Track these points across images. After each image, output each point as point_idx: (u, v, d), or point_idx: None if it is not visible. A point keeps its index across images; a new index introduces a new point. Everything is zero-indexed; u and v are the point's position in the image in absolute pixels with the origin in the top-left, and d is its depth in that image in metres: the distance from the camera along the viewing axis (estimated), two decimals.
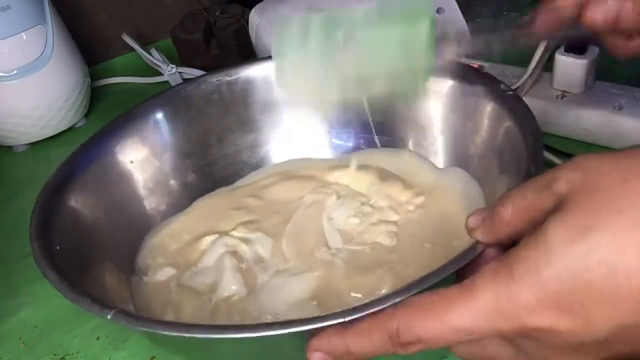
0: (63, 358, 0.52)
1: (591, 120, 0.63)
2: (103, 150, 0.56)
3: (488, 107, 0.52)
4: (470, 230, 0.37)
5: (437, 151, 0.59)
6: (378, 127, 0.62)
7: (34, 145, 0.81)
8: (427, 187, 0.57)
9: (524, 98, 0.64)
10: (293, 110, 0.63)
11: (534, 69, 0.66)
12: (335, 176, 0.59)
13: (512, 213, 0.33)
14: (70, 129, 0.82)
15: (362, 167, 0.59)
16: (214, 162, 0.62)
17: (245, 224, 0.55)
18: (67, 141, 0.80)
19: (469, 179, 0.55)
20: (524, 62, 0.67)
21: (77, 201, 0.51)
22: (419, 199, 0.55)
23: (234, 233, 0.55)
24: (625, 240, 0.27)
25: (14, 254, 0.62)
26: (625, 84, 0.65)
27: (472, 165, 0.55)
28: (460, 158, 0.56)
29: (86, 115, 0.84)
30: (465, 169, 0.55)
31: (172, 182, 0.60)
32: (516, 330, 0.29)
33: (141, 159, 0.58)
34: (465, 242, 0.38)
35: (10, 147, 0.81)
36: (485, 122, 0.53)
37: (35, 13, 0.76)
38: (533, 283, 0.28)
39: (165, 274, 0.52)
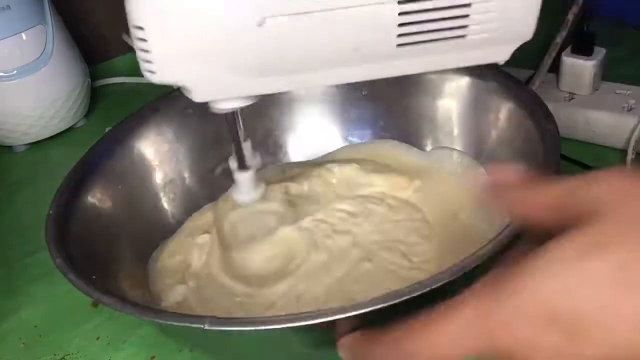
0: (63, 358, 0.51)
1: (601, 121, 0.62)
2: (121, 145, 0.56)
3: (507, 107, 0.53)
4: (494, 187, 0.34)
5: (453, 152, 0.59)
6: (393, 125, 0.62)
7: (34, 145, 0.80)
8: (419, 171, 0.58)
9: None
10: (308, 109, 0.63)
11: (539, 70, 0.65)
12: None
13: (539, 202, 0.30)
14: (70, 129, 0.81)
15: (351, 163, 0.59)
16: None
17: None
18: (67, 141, 0.80)
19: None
20: (529, 63, 0.67)
21: (95, 197, 0.52)
22: (416, 183, 0.56)
23: None
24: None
25: (14, 254, 0.62)
26: (630, 83, 0.65)
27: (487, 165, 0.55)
28: (477, 156, 0.57)
29: (86, 115, 0.84)
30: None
31: (188, 180, 0.60)
32: (490, 351, 0.27)
33: (160, 155, 0.58)
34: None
35: (10, 147, 0.80)
36: (503, 122, 0.53)
37: (35, 13, 0.76)
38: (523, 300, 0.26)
39: (179, 293, 0.51)
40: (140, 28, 0.35)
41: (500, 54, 0.39)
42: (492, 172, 0.34)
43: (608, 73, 0.65)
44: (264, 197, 0.50)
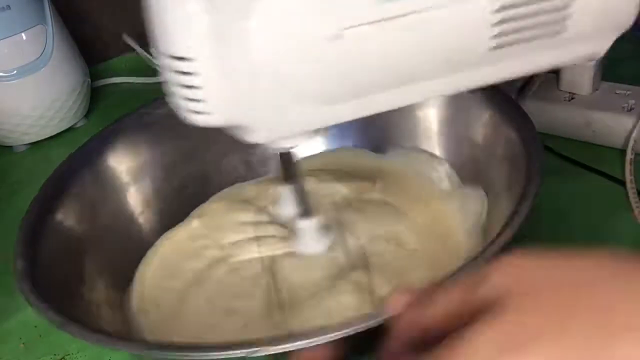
0: (63, 358, 0.51)
1: (601, 121, 0.62)
2: (93, 162, 0.55)
3: (485, 113, 0.52)
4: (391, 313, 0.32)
5: (437, 165, 0.58)
6: (374, 133, 0.61)
7: (34, 145, 0.80)
8: (378, 173, 0.58)
9: (530, 100, 0.65)
10: None
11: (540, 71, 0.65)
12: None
13: (437, 313, 0.30)
14: (70, 129, 0.82)
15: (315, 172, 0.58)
16: (205, 174, 0.61)
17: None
18: (67, 141, 0.80)
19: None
20: None
21: (66, 217, 0.50)
22: (379, 185, 0.57)
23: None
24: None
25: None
26: (630, 83, 0.65)
27: (471, 175, 0.55)
28: (458, 166, 0.56)
29: (86, 115, 0.84)
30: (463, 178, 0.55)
31: (164, 194, 0.59)
32: None
33: (133, 170, 0.57)
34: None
35: (10, 147, 0.80)
36: (482, 129, 0.53)
37: (35, 13, 0.76)
38: None
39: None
40: (186, 59, 0.28)
41: (600, 47, 0.37)
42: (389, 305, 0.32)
43: (608, 73, 0.65)
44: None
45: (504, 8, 0.31)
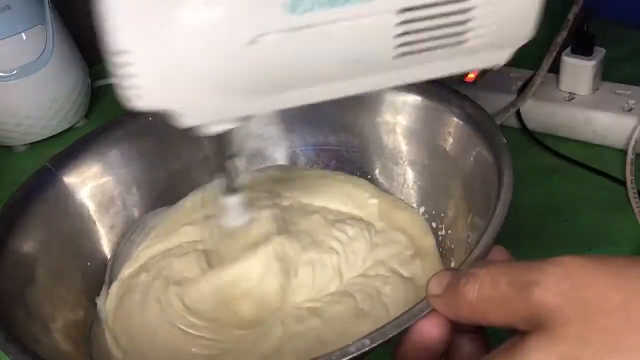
0: None
1: (601, 121, 0.62)
2: (49, 186, 0.54)
3: (454, 122, 0.51)
4: (429, 296, 0.33)
5: (404, 173, 0.57)
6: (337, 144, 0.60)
7: (34, 145, 0.80)
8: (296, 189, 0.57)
9: (530, 100, 0.65)
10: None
11: (540, 71, 0.65)
12: None
13: (478, 299, 0.30)
14: (70, 129, 0.81)
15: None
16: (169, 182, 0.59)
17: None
18: (67, 141, 0.78)
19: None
20: (529, 64, 0.67)
21: (26, 243, 0.48)
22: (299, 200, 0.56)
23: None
24: None
25: None
26: (630, 83, 0.65)
27: (436, 190, 0.53)
28: (426, 181, 0.55)
29: (86, 116, 0.84)
30: (429, 192, 0.54)
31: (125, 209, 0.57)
32: None
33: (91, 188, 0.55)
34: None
35: (10, 147, 0.80)
36: (451, 138, 0.51)
37: (35, 13, 0.76)
38: None
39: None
40: (126, 51, 0.33)
41: (500, 57, 0.39)
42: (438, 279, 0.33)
43: (608, 73, 0.65)
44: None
45: (405, 22, 0.34)
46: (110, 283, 0.53)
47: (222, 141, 0.43)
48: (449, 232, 0.51)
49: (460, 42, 0.36)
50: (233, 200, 0.46)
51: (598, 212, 0.56)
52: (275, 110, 0.38)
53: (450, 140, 0.51)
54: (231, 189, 0.46)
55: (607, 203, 0.57)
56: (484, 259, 0.36)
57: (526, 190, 0.59)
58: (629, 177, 0.57)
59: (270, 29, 0.32)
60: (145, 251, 0.54)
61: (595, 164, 0.60)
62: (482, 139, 0.47)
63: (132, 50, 0.33)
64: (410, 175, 0.56)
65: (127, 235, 0.56)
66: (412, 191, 0.56)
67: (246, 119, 0.38)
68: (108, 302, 0.51)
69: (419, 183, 0.55)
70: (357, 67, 0.35)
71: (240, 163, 0.45)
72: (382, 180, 0.58)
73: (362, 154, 0.59)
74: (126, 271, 0.53)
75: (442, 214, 0.52)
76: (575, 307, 0.26)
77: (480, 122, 0.48)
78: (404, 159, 0.56)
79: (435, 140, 0.53)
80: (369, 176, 0.58)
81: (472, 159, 0.48)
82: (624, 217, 0.55)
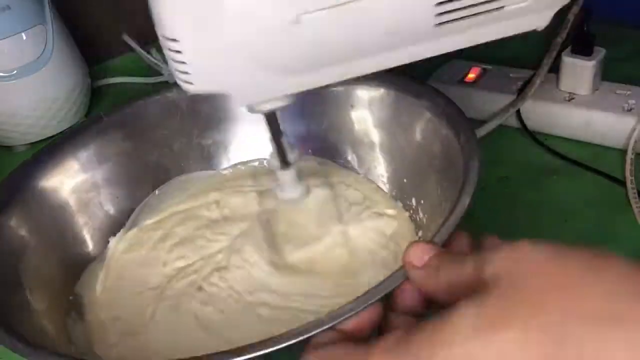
0: None
1: (601, 121, 0.62)
2: (33, 179, 0.57)
3: (423, 115, 0.53)
4: (408, 265, 0.35)
5: (377, 165, 0.59)
6: (313, 139, 0.61)
7: (34, 145, 0.80)
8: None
9: (530, 100, 0.65)
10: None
11: (540, 71, 0.65)
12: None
13: (450, 279, 0.32)
14: (70, 129, 0.81)
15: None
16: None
17: None
18: None
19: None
20: (529, 64, 0.67)
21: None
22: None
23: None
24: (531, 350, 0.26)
25: None
26: (630, 83, 0.65)
27: (409, 176, 0.55)
28: (397, 169, 0.57)
29: (86, 115, 0.84)
30: (402, 179, 0.56)
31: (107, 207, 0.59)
32: None
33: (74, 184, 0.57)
34: None
35: (10, 147, 0.80)
36: (420, 131, 0.53)
37: (35, 13, 0.76)
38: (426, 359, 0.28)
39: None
40: (174, 40, 0.34)
41: (539, 20, 0.39)
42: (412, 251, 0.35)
43: (608, 73, 0.65)
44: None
45: None
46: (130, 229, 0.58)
47: (270, 119, 0.44)
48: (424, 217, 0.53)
49: (499, 7, 0.36)
50: (288, 175, 0.49)
51: (598, 212, 0.56)
52: (320, 86, 0.38)
53: (419, 128, 0.53)
54: (285, 164, 0.48)
55: (607, 203, 0.57)
56: (446, 245, 0.37)
57: (526, 190, 0.59)
58: (628, 177, 0.57)
59: (312, 7, 0.33)
60: (170, 209, 0.59)
61: (595, 164, 0.60)
62: (450, 127, 0.49)
63: (180, 38, 0.34)
64: (382, 162, 0.58)
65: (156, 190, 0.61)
66: (385, 179, 0.58)
67: (293, 96, 0.39)
68: (120, 244, 0.56)
69: (391, 169, 0.57)
70: (397, 39, 0.36)
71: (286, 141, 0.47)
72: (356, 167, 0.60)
73: (337, 142, 0.61)
74: (147, 222, 0.58)
75: (416, 200, 0.54)
76: (508, 275, 0.28)
77: (449, 114, 0.50)
78: (375, 148, 0.58)
79: (406, 129, 0.55)
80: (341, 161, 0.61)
81: (440, 146, 0.50)
82: (624, 217, 0.55)
